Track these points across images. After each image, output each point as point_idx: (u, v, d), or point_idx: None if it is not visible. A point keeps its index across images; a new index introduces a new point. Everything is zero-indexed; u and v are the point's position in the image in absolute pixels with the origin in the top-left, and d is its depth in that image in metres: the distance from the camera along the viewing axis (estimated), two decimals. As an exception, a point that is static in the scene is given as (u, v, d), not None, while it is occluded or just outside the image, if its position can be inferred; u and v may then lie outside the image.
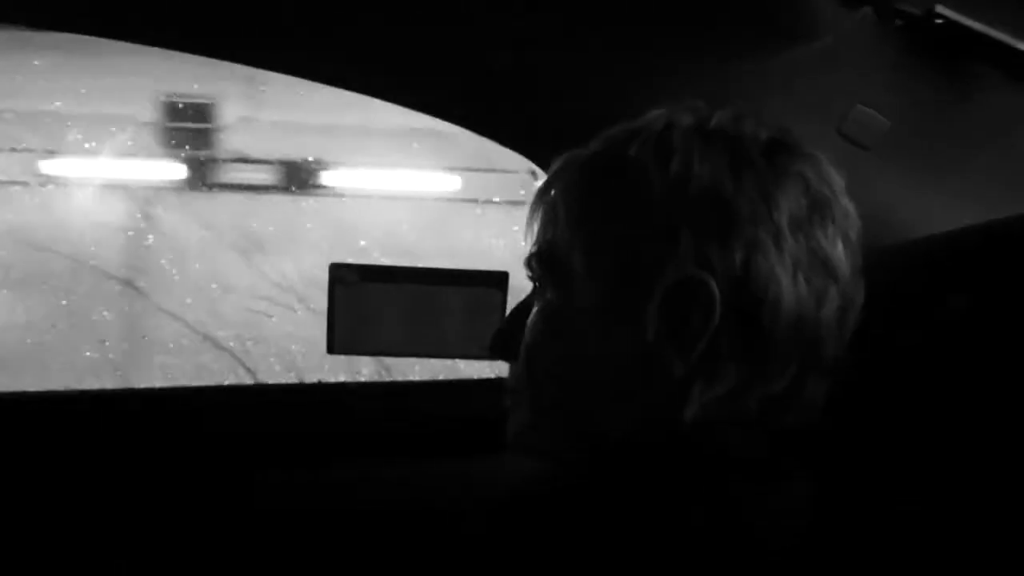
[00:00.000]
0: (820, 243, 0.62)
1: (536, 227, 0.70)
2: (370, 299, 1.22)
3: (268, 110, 4.64)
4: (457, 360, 1.46)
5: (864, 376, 0.72)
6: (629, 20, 0.96)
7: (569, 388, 0.67)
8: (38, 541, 1.17)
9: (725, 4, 0.94)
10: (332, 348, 1.24)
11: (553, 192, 0.69)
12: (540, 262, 0.69)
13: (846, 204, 0.65)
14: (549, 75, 1.03)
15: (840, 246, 0.63)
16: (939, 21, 0.90)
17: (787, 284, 0.60)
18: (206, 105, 4.59)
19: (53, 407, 1.26)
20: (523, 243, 0.72)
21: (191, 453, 1.25)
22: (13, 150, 4.34)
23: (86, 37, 1.00)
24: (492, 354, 0.74)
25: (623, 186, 0.64)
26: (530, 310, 0.71)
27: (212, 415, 1.29)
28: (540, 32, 0.99)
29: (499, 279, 1.23)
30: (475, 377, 1.53)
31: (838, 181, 0.65)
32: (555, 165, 0.70)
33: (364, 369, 1.45)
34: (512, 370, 0.73)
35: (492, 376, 1.53)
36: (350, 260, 1.24)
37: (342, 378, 1.50)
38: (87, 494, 1.20)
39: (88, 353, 3.51)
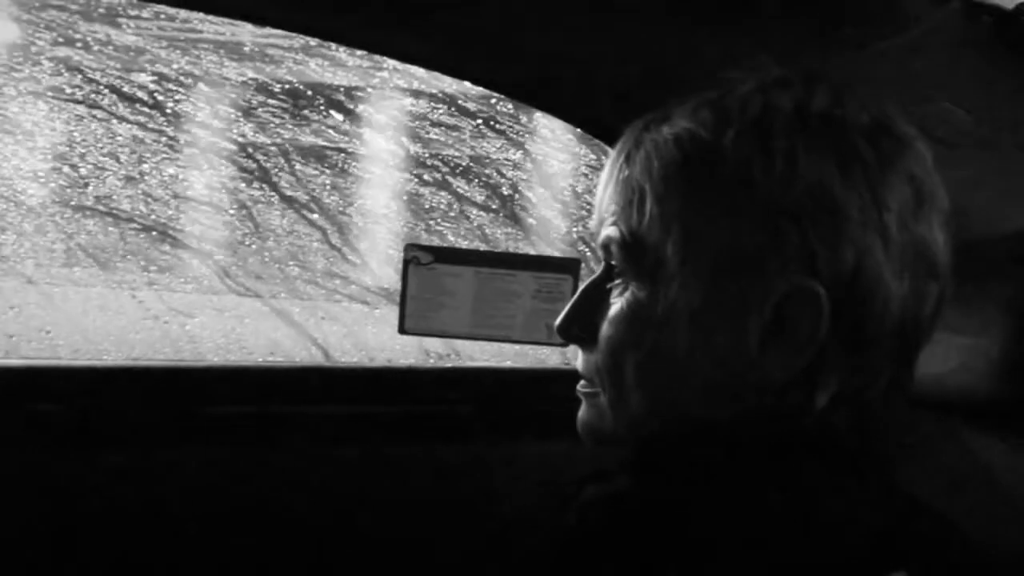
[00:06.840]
0: (924, 238, 0.59)
1: (611, 206, 0.65)
2: (442, 281, 1.24)
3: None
4: (526, 346, 1.47)
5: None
6: (714, 9, 0.96)
7: (657, 386, 0.63)
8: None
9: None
10: (403, 328, 1.27)
11: (633, 171, 0.64)
12: (624, 250, 0.64)
13: (942, 189, 0.61)
14: (623, 57, 1.04)
15: (941, 237, 0.60)
16: (1028, 17, 0.88)
17: (895, 287, 0.58)
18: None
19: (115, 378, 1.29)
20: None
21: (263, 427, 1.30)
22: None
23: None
24: (559, 336, 0.70)
25: (724, 180, 0.59)
26: (598, 293, 0.67)
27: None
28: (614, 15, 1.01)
29: (571, 265, 1.24)
30: (544, 365, 1.55)
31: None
32: (632, 137, 0.66)
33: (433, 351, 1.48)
34: (588, 360, 0.69)
35: (560, 366, 1.54)
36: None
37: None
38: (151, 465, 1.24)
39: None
